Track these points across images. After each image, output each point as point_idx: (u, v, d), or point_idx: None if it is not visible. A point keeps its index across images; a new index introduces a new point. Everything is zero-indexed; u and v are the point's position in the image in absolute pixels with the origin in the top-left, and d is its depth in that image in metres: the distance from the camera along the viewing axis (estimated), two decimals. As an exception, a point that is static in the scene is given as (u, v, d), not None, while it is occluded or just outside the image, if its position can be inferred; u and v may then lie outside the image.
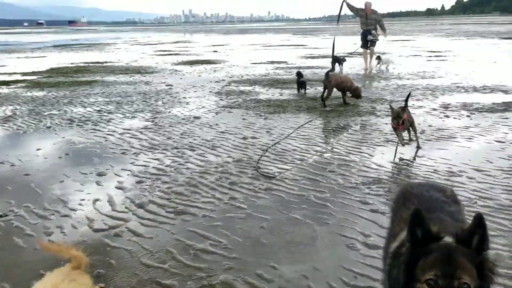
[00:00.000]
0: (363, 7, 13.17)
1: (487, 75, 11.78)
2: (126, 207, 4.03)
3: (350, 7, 13.09)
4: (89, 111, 8.50)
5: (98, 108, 8.76)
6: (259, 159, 5.21)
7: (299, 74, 10.13)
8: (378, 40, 13.36)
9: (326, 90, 8.44)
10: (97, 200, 4.23)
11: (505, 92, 9.24)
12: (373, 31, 13.03)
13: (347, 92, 8.54)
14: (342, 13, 13.52)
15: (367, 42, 13.28)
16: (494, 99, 8.41)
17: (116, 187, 4.54)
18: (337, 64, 12.92)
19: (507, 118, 6.88)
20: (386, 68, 13.41)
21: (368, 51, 13.62)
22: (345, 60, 13.57)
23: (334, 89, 8.45)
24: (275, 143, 5.86)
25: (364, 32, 13.18)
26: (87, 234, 3.56)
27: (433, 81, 11.06)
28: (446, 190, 2.23)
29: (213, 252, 3.19)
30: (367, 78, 12.02)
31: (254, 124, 7.08)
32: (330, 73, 8.72)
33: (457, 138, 5.87)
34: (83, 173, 5.00)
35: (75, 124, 7.46)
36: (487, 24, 62.60)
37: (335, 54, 11.67)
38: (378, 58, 13.79)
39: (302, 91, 9.98)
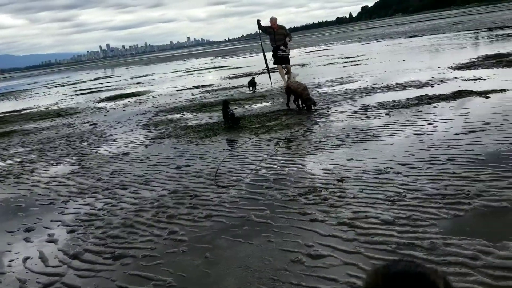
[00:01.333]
0: (270, 24, 13.49)
1: (398, 73, 12.62)
2: (59, 261, 3.79)
3: (260, 26, 13.65)
4: (10, 164, 7.97)
5: (19, 160, 8.24)
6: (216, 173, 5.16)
7: (225, 104, 8.63)
8: (289, 54, 13.60)
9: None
10: (27, 258, 3.94)
11: (416, 87, 9.92)
12: (282, 47, 13.23)
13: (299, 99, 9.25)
14: (256, 32, 13.96)
15: (279, 58, 13.50)
16: (407, 95, 8.99)
17: (46, 241, 4.26)
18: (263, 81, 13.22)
19: (421, 111, 7.37)
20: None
21: (283, 68, 13.72)
22: (254, 83, 13.94)
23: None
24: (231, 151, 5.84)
25: (275, 49, 13.41)
26: (19, 298, 3.30)
27: (351, 86, 11.64)
28: (427, 275, 1.36)
29: (158, 292, 3.08)
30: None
31: (187, 151, 7.01)
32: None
33: (380, 137, 6.18)
34: (9, 232, 4.65)
35: (-6, 180, 6.96)
36: (392, 25, 67.21)
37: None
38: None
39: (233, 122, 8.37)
